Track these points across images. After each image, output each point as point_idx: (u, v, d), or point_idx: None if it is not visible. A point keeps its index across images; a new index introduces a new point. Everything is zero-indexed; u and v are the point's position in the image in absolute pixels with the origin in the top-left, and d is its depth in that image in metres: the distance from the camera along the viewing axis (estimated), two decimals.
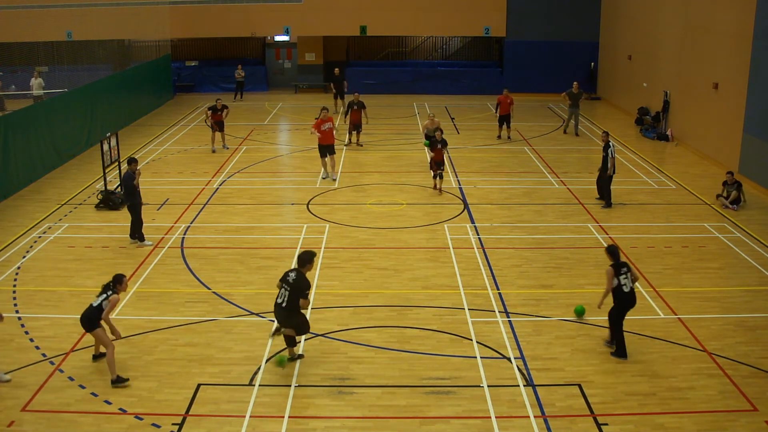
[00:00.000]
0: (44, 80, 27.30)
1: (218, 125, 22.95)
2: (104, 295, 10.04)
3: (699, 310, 12.19)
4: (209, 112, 22.84)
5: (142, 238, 15.09)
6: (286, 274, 10.15)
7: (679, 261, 14.33)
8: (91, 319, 9.97)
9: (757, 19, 18.93)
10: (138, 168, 15.08)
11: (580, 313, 11.43)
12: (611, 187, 17.65)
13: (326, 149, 19.71)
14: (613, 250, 10.76)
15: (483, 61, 36.82)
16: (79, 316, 10.12)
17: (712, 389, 9.89)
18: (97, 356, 10.47)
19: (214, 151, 22.74)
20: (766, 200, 18.11)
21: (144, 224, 15.20)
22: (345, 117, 23.61)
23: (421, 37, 37.74)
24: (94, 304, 9.99)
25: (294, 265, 10.85)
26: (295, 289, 9.99)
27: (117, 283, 10.15)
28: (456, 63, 36.65)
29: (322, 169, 20.12)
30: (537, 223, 16.41)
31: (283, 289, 10.07)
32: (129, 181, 14.83)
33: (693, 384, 10.01)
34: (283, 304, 10.06)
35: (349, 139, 23.65)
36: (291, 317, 10.14)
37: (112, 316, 10.76)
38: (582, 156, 22.70)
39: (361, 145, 23.52)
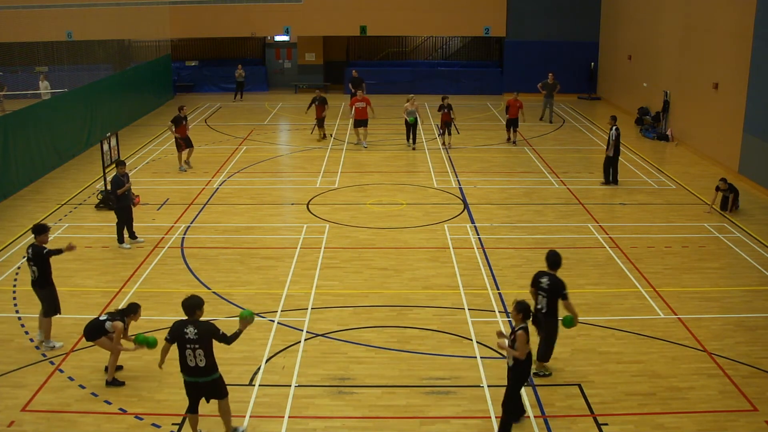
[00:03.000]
0: (50, 83, 27.31)
1: (185, 141, 20.58)
2: (109, 317, 9.88)
3: (699, 310, 12.19)
4: (173, 125, 20.56)
5: (121, 240, 14.93)
6: (538, 280, 9.86)
7: (679, 261, 14.33)
8: (93, 331, 9.86)
9: (757, 18, 18.93)
10: (129, 180, 14.98)
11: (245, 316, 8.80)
12: (615, 167, 19.31)
13: (359, 123, 23.75)
14: (524, 306, 8.71)
15: (483, 61, 36.82)
16: (84, 327, 10.02)
17: (712, 389, 9.89)
18: (111, 383, 10.03)
19: (184, 170, 20.70)
20: (766, 200, 18.11)
21: (134, 225, 15.19)
22: (306, 111, 24.79)
23: (421, 37, 37.74)
24: (101, 318, 9.92)
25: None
26: (552, 293, 9.77)
27: (130, 313, 9.94)
28: (456, 63, 36.64)
29: (357, 138, 24.12)
30: (537, 223, 16.41)
31: (540, 296, 9.86)
32: (115, 186, 14.75)
33: (693, 384, 10.01)
34: (543, 310, 9.87)
35: (322, 135, 24.57)
36: (550, 322, 9.92)
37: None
38: (582, 156, 22.70)
39: (325, 137, 24.46)
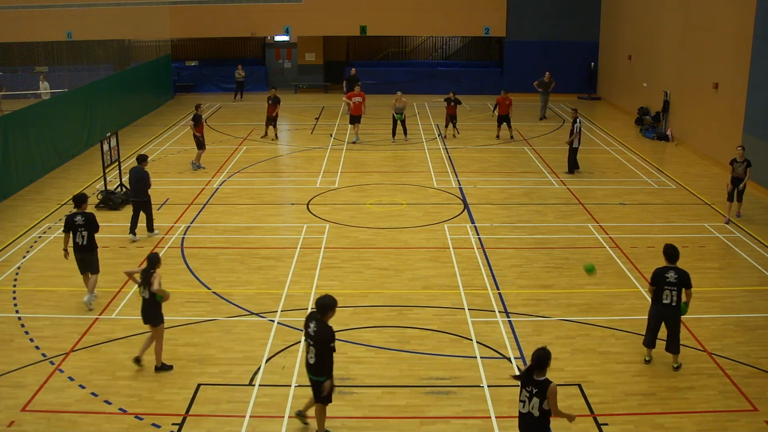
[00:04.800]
0: (49, 83, 27.28)
1: (202, 139, 20.65)
2: (147, 284, 10.15)
3: (699, 310, 12.18)
4: (192, 124, 20.54)
5: (152, 228, 15.57)
6: (663, 276, 10.07)
7: (679, 261, 14.28)
8: (151, 312, 10.14)
9: (757, 18, 18.93)
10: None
11: (589, 270, 10.79)
12: (576, 157, 20.41)
13: (354, 119, 24.03)
14: (541, 356, 7.62)
15: (483, 61, 36.84)
16: (142, 315, 10.29)
17: (712, 389, 9.89)
18: (160, 368, 10.30)
19: (200, 168, 20.77)
20: (766, 200, 18.11)
21: (135, 225, 15.42)
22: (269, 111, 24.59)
23: (421, 37, 37.74)
24: (146, 297, 10.12)
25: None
26: (680, 285, 10.07)
27: (155, 265, 10.19)
28: (456, 63, 36.66)
29: (348, 133, 24.61)
30: (537, 223, 16.41)
31: (667, 291, 10.04)
32: (148, 180, 15.24)
33: (693, 384, 10.01)
34: (673, 303, 10.11)
35: (266, 132, 24.79)
36: (678, 314, 10.21)
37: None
38: (582, 156, 22.62)
39: (277, 138, 24.67)
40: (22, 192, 18.78)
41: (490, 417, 9.28)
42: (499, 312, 12.13)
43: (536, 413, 7.55)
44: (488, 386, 9.94)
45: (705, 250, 14.87)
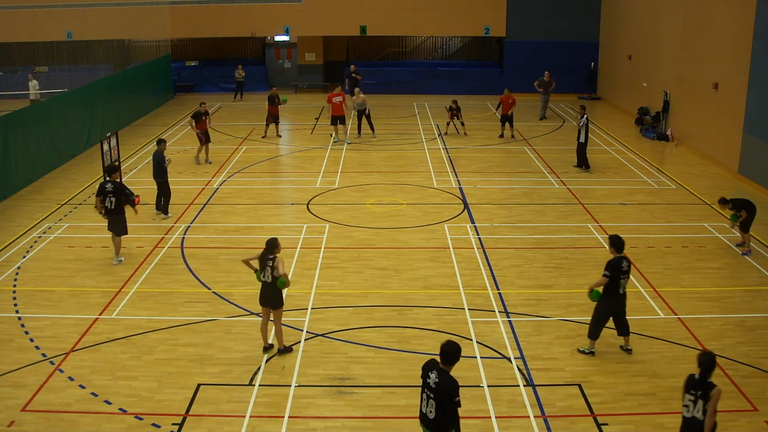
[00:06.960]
0: (39, 82, 27.14)
1: (205, 135, 21.19)
2: (268, 268, 10.28)
3: (699, 310, 12.19)
4: (192, 121, 21.13)
5: (167, 212, 16.72)
6: (620, 266, 10.26)
7: (679, 261, 14.33)
8: (275, 295, 10.42)
9: (757, 18, 18.93)
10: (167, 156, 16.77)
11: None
12: (586, 153, 20.62)
13: (337, 119, 23.70)
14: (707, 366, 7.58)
15: (483, 61, 36.84)
16: (260, 298, 10.58)
17: None
18: (283, 350, 10.76)
19: (199, 162, 21.37)
20: (766, 200, 18.10)
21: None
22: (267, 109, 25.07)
23: (421, 37, 37.75)
24: (269, 281, 10.34)
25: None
26: (629, 273, 10.47)
27: (273, 248, 10.38)
28: (456, 63, 36.67)
29: (333, 133, 24.32)
30: (537, 223, 16.41)
31: (623, 280, 10.31)
32: (162, 163, 16.41)
33: None
34: (624, 292, 10.49)
35: (266, 132, 24.98)
36: (625, 302, 10.68)
37: None
38: None
39: (281, 136, 25.07)
40: (22, 192, 18.78)
41: (490, 417, 9.28)
42: (499, 312, 12.13)
43: (700, 417, 7.36)
44: (488, 386, 9.94)
45: (705, 250, 14.87)
